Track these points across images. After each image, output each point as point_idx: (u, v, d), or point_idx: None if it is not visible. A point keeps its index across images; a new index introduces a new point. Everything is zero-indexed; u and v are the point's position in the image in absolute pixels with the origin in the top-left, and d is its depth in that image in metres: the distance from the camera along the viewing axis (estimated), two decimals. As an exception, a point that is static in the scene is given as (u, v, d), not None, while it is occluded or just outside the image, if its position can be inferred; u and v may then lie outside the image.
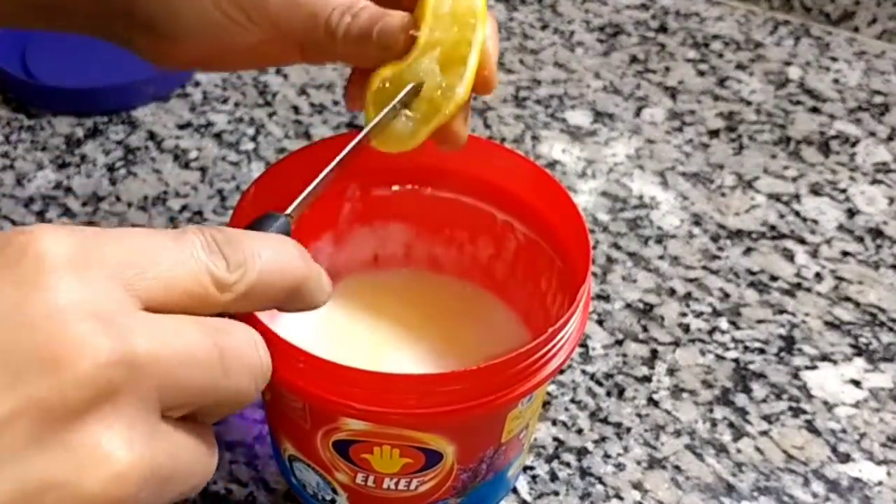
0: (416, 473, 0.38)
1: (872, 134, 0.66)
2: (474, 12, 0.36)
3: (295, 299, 0.28)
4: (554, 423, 0.48)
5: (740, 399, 0.50)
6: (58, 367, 0.21)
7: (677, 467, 0.47)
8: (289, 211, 0.31)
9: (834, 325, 0.53)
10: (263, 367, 0.26)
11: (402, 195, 0.46)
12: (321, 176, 0.34)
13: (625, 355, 0.51)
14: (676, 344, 0.52)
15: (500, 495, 0.44)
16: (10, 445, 0.21)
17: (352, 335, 0.45)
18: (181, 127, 0.65)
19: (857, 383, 0.51)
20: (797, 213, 0.60)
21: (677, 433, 0.48)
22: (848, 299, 0.55)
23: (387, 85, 0.37)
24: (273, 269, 0.26)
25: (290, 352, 0.34)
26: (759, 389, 0.50)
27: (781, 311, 0.54)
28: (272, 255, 0.26)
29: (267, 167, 0.45)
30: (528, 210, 0.44)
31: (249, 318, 0.32)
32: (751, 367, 0.51)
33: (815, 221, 0.60)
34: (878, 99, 0.69)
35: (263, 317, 0.33)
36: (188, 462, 0.24)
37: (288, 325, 0.45)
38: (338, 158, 0.35)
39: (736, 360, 0.51)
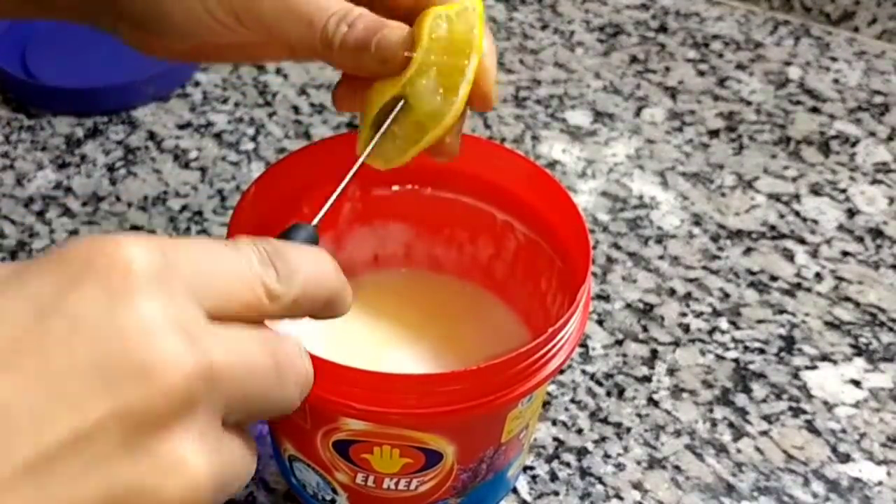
0: (416, 473, 0.38)
1: (872, 134, 0.66)
2: (470, 43, 0.35)
3: (327, 310, 0.29)
4: (554, 423, 0.48)
5: (740, 399, 0.50)
6: (148, 377, 0.22)
7: (677, 467, 0.47)
8: (315, 221, 0.32)
9: (834, 325, 0.53)
10: (308, 377, 0.27)
11: (402, 195, 0.46)
12: (341, 187, 0.35)
13: (625, 355, 0.51)
14: (676, 344, 0.52)
15: (500, 495, 0.44)
16: (101, 449, 0.22)
17: (352, 335, 0.45)
18: (181, 127, 0.65)
19: (857, 383, 0.51)
20: (797, 213, 0.60)
21: (677, 433, 0.48)
22: (848, 299, 0.55)
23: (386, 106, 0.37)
24: (315, 281, 0.28)
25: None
26: (759, 389, 0.50)
27: (781, 311, 0.54)
28: (314, 268, 0.28)
29: (267, 167, 0.45)
30: (528, 210, 0.44)
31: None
32: (751, 367, 0.51)
33: (815, 221, 0.60)
34: (878, 99, 0.69)
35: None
36: (242, 467, 0.26)
37: (288, 325, 0.45)
38: (350, 174, 0.35)
39: (736, 360, 0.51)
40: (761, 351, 0.52)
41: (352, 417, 0.35)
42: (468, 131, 0.64)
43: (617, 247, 0.57)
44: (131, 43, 0.41)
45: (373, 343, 0.45)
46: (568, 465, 0.47)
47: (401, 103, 0.36)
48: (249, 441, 0.26)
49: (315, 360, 0.34)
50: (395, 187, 0.46)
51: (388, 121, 0.36)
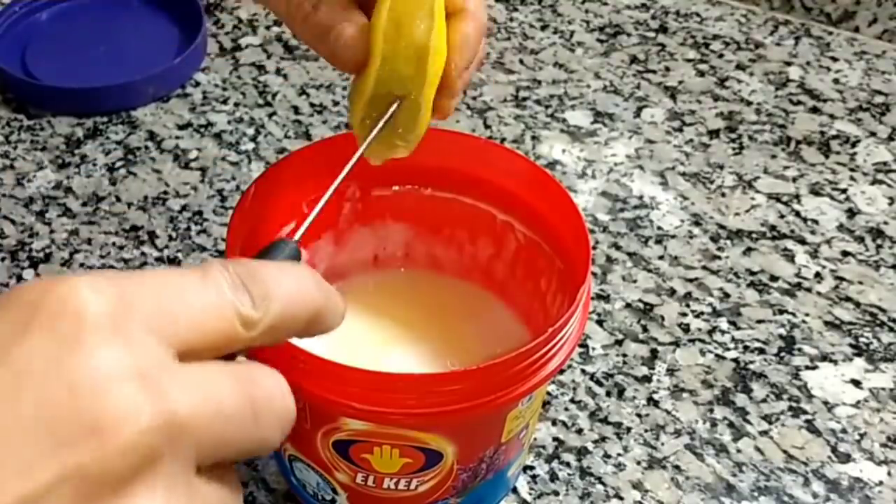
0: (416, 473, 0.38)
1: (873, 134, 0.66)
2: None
3: (313, 327, 0.27)
4: (554, 423, 0.48)
5: (740, 399, 0.50)
6: (100, 434, 0.21)
7: (677, 467, 0.47)
8: (296, 238, 0.31)
9: (834, 325, 0.53)
10: (290, 415, 0.26)
11: (402, 195, 0.46)
12: (323, 200, 0.34)
13: (625, 355, 0.51)
14: (676, 344, 0.52)
15: (500, 495, 0.44)
16: None
17: (352, 335, 0.45)
18: (181, 127, 0.65)
19: (857, 383, 0.51)
20: (797, 213, 0.60)
21: (677, 433, 0.48)
22: (848, 299, 0.55)
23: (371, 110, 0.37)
24: (294, 301, 0.26)
25: (290, 352, 0.34)
26: (759, 389, 0.50)
27: (781, 311, 0.54)
28: (292, 287, 0.26)
29: (267, 167, 0.45)
30: (528, 210, 0.44)
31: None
32: (751, 367, 0.51)
33: (816, 221, 0.60)
34: (879, 99, 0.69)
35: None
36: None
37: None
38: (337, 181, 0.35)
39: (736, 360, 0.51)
40: (761, 351, 0.52)
41: (352, 417, 0.35)
42: (469, 131, 0.64)
43: (617, 247, 0.57)
44: None
45: (373, 343, 0.45)
46: (568, 465, 0.47)
47: (394, 106, 0.36)
48: (230, 478, 0.25)
49: (315, 360, 0.34)
50: (395, 187, 0.46)
51: (384, 120, 0.36)
